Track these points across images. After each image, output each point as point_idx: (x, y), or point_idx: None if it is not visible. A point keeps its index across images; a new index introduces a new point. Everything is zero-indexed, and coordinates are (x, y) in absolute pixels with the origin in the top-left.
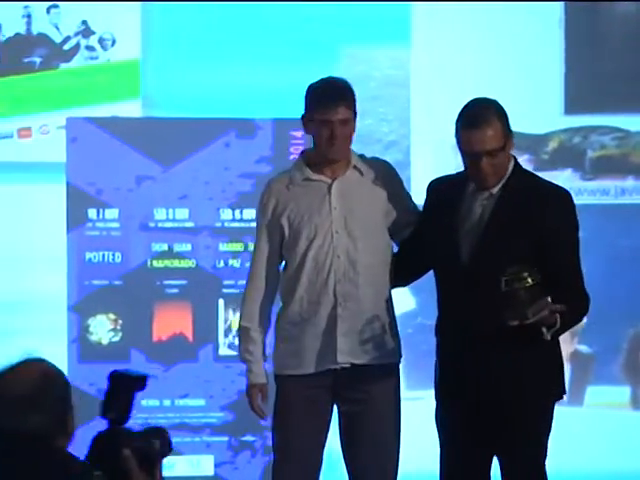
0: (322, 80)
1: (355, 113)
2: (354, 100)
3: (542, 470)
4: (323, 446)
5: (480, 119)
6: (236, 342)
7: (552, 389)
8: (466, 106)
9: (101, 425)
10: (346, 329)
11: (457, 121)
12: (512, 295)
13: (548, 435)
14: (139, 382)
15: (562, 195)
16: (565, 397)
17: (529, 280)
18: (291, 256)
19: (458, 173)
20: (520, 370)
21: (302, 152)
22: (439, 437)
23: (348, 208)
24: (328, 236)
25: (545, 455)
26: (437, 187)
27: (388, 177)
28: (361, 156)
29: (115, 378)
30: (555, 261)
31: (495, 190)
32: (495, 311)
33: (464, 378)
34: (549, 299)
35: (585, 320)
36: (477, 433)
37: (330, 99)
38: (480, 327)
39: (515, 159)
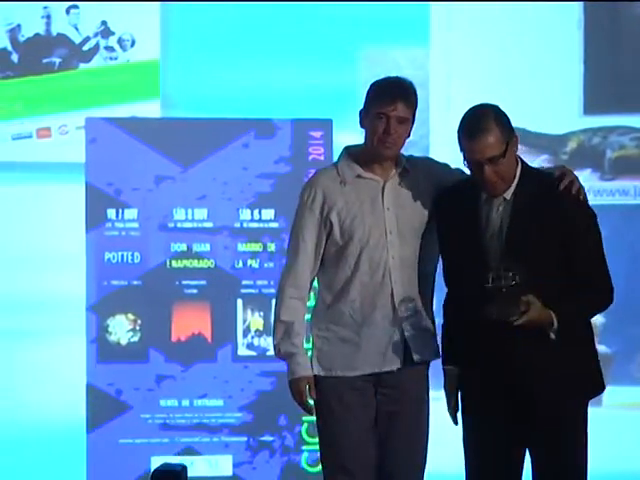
0: (387, 77)
1: (414, 115)
2: (415, 101)
3: (581, 471)
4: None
5: (478, 128)
6: (259, 342)
7: (587, 387)
8: (465, 115)
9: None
10: (410, 329)
11: (458, 130)
12: (496, 292)
13: (586, 434)
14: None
15: (584, 208)
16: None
17: (515, 279)
18: (342, 255)
19: (464, 180)
20: (556, 368)
21: (346, 148)
22: (466, 438)
23: (400, 209)
24: (382, 237)
25: (585, 455)
26: (448, 193)
27: (433, 175)
28: (406, 157)
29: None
30: (579, 253)
31: (508, 195)
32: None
33: (498, 379)
34: (532, 300)
35: (604, 320)
36: (511, 433)
37: (390, 94)
38: (513, 328)
39: (521, 159)
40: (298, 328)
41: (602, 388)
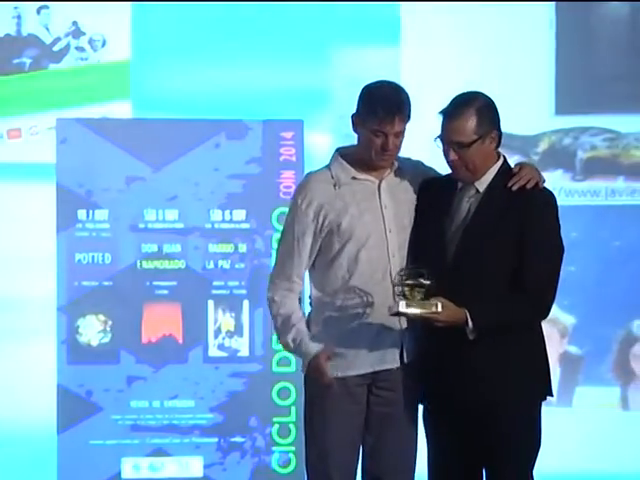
0: (381, 86)
1: (407, 122)
2: (410, 110)
3: (527, 474)
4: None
5: (455, 110)
6: (230, 343)
7: (536, 389)
8: (456, 95)
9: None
10: (402, 329)
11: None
12: (402, 289)
13: (534, 437)
14: None
15: (546, 197)
16: (554, 398)
17: (423, 282)
18: (340, 256)
19: (447, 175)
20: (503, 369)
21: (338, 150)
22: (427, 439)
23: (396, 206)
24: (382, 235)
25: (532, 458)
26: (427, 187)
27: (422, 175)
28: (400, 157)
29: None
30: (524, 258)
31: (481, 188)
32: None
33: (447, 378)
34: (439, 308)
35: (574, 321)
36: (462, 434)
37: (388, 112)
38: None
39: (504, 158)
40: (297, 317)
41: (549, 393)
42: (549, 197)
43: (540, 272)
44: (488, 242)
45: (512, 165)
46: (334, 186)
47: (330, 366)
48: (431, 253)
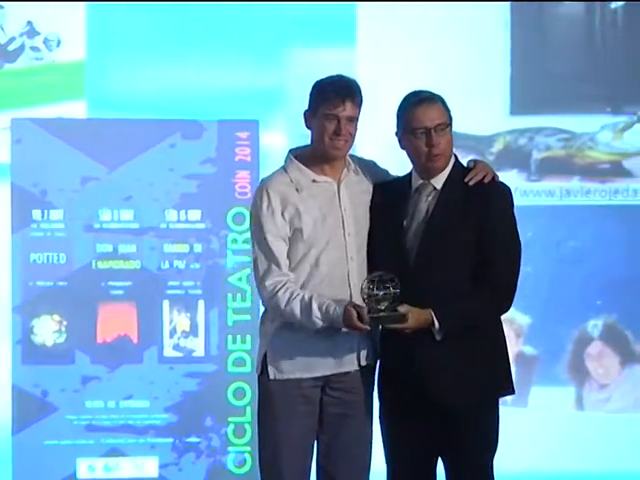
0: (331, 76)
1: (359, 113)
2: (362, 99)
3: (487, 469)
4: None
5: (428, 96)
6: (185, 343)
7: (501, 385)
8: (410, 93)
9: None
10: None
11: (402, 104)
12: (369, 301)
13: (494, 433)
14: None
15: (502, 190)
16: (510, 398)
17: (391, 291)
18: (302, 259)
19: (401, 176)
20: (465, 366)
21: (291, 151)
22: (383, 437)
23: (355, 209)
24: (341, 238)
25: (491, 453)
26: (380, 190)
27: (377, 176)
28: (351, 156)
29: None
30: (485, 252)
31: (438, 185)
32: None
33: (411, 377)
34: (408, 320)
35: (530, 321)
36: (421, 432)
37: (338, 94)
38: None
39: (455, 154)
40: (307, 294)
41: (510, 390)
42: (506, 191)
43: (502, 266)
44: (450, 240)
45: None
46: (296, 190)
47: (286, 367)
48: (392, 255)
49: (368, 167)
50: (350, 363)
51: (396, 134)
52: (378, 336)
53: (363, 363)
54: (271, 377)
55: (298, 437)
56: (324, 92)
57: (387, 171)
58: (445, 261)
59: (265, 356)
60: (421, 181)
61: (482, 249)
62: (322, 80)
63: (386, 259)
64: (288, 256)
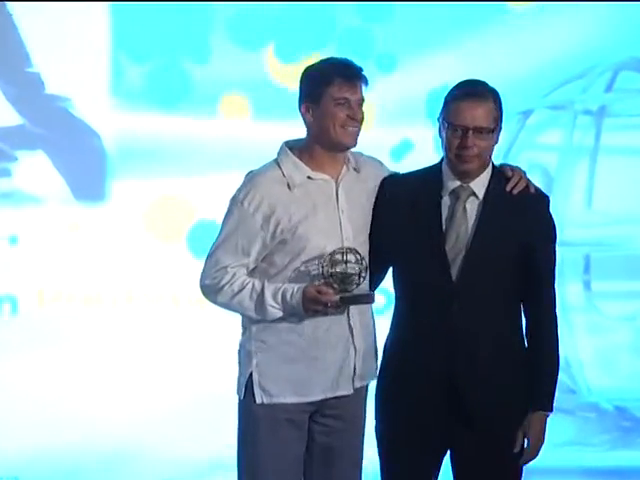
0: (329, 58)
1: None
2: (368, 81)
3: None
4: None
5: (477, 91)
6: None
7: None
8: (464, 80)
9: None
10: (360, 348)
11: (450, 92)
12: (330, 273)
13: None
14: None
15: (545, 199)
16: None
17: (357, 266)
18: (287, 268)
19: (423, 170)
20: (518, 386)
21: (286, 143)
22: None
23: (354, 212)
24: (339, 244)
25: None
26: (398, 184)
27: (381, 177)
28: (354, 153)
29: None
30: (537, 273)
31: (480, 193)
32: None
33: (464, 401)
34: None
35: None
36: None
37: (348, 75)
38: (475, 344)
39: (492, 160)
40: (255, 281)
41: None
42: (548, 201)
43: (548, 300)
44: (498, 257)
45: None
46: (287, 187)
47: (275, 390)
48: (432, 261)
49: (372, 166)
50: (346, 385)
51: (437, 119)
52: (374, 349)
53: (358, 385)
54: (258, 401)
55: (283, 465)
56: (328, 75)
57: (388, 170)
58: (491, 278)
59: (250, 377)
60: (459, 183)
61: (532, 271)
62: (319, 64)
63: (425, 264)
64: (275, 260)
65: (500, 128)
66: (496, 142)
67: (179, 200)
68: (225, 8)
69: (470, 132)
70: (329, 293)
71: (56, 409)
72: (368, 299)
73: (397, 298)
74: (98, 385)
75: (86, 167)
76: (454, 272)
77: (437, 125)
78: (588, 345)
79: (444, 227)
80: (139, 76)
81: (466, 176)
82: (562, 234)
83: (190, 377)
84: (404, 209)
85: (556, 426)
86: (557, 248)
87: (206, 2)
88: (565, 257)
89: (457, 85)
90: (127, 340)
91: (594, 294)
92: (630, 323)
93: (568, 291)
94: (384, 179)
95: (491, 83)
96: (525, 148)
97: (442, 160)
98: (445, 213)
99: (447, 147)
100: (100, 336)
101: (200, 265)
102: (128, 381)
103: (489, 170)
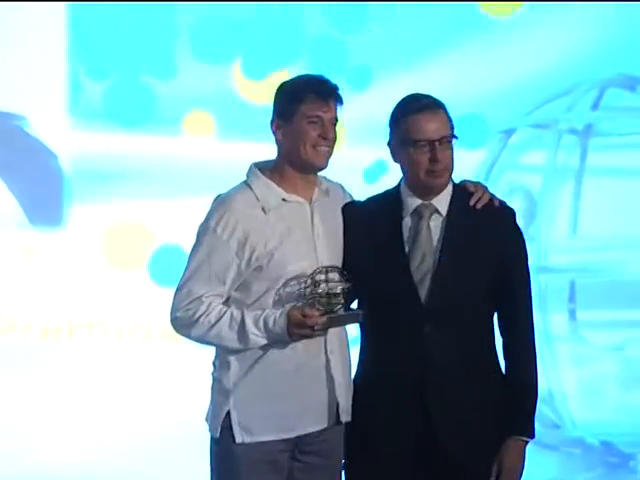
0: (302, 75)
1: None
2: (342, 100)
3: None
4: None
5: (433, 103)
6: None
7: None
8: (408, 96)
9: None
10: (340, 379)
11: (397, 109)
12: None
13: None
14: None
15: (510, 213)
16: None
17: (340, 285)
18: (269, 294)
19: (382, 194)
20: (492, 414)
21: (255, 165)
22: None
23: (329, 236)
24: (314, 268)
25: None
26: (357, 210)
27: (345, 199)
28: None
29: None
30: (512, 293)
31: (443, 210)
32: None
33: (427, 430)
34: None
35: None
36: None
37: (321, 92)
38: (443, 369)
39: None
40: (234, 310)
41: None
42: (514, 215)
43: (524, 322)
44: (468, 273)
45: None
46: (262, 210)
47: (257, 428)
48: (399, 295)
49: (337, 190)
50: (325, 419)
51: (388, 144)
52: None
53: (344, 419)
54: (238, 440)
55: None
56: (301, 92)
57: (352, 195)
58: (462, 298)
59: (228, 416)
60: (420, 201)
61: (503, 290)
62: (293, 80)
63: (391, 288)
64: (251, 289)
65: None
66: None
67: (140, 224)
68: (189, 20)
69: (437, 144)
70: (315, 315)
71: (6, 442)
72: (357, 318)
73: (365, 329)
74: (52, 420)
75: (42, 189)
76: (422, 293)
77: (389, 150)
78: (573, 376)
79: (407, 248)
80: (98, 93)
81: (428, 193)
82: (546, 260)
83: (153, 413)
84: (364, 235)
85: (539, 462)
86: (541, 275)
87: (169, 14)
88: (549, 284)
89: (404, 102)
90: (85, 373)
91: (579, 323)
92: (617, 353)
93: (552, 320)
94: (343, 207)
95: (472, 100)
96: (507, 169)
97: (400, 182)
98: (407, 233)
99: (415, 166)
100: (57, 369)
101: (163, 293)
102: (85, 416)
103: (450, 186)
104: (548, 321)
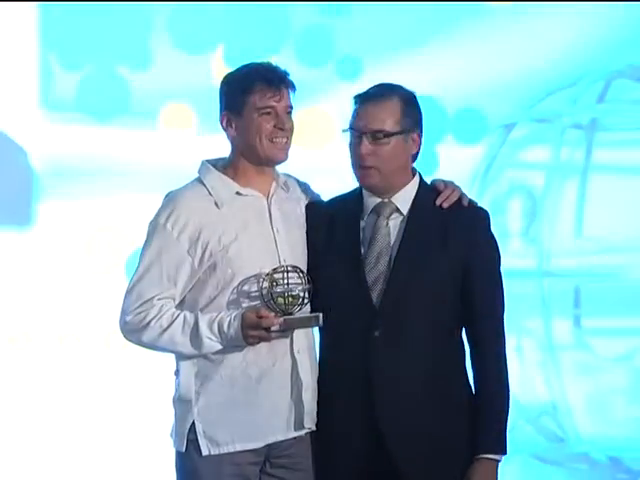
0: (249, 64)
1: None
2: (295, 87)
3: None
4: None
5: (377, 93)
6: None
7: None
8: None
9: None
10: (307, 384)
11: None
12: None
13: None
14: None
15: (484, 217)
16: None
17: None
18: (226, 294)
19: (347, 193)
20: (456, 434)
21: (207, 161)
22: None
23: (289, 232)
24: (276, 265)
25: None
26: (320, 208)
27: (311, 199)
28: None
29: None
30: (480, 300)
31: (405, 209)
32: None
33: (374, 443)
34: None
35: None
36: None
37: (271, 81)
38: (395, 382)
39: (419, 173)
40: (188, 314)
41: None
42: (488, 217)
43: (496, 305)
44: (426, 277)
45: None
46: (215, 205)
47: (223, 438)
48: (350, 290)
49: (299, 185)
50: (295, 426)
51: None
52: None
53: (309, 425)
54: (204, 453)
55: None
56: (249, 81)
57: (319, 195)
58: (420, 305)
59: (192, 427)
60: (379, 199)
61: (468, 297)
62: (239, 70)
63: (344, 290)
64: (206, 289)
65: (413, 133)
66: (416, 151)
67: (116, 224)
68: (167, 7)
69: (364, 137)
70: (270, 317)
71: None
72: (316, 321)
73: (321, 333)
74: (23, 434)
75: (10, 187)
76: (374, 295)
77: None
78: (578, 387)
79: (363, 249)
80: (71, 84)
81: (386, 191)
82: (549, 264)
83: (130, 421)
84: (324, 236)
85: (542, 478)
86: (543, 280)
87: (145, 1)
88: (553, 289)
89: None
90: (57, 384)
91: (585, 330)
92: (625, 363)
93: (556, 327)
94: (307, 205)
95: (470, 92)
96: (507, 166)
97: None
98: (366, 233)
99: (351, 159)
100: (27, 379)
101: None
102: (57, 429)
103: (415, 183)
104: (551, 328)
